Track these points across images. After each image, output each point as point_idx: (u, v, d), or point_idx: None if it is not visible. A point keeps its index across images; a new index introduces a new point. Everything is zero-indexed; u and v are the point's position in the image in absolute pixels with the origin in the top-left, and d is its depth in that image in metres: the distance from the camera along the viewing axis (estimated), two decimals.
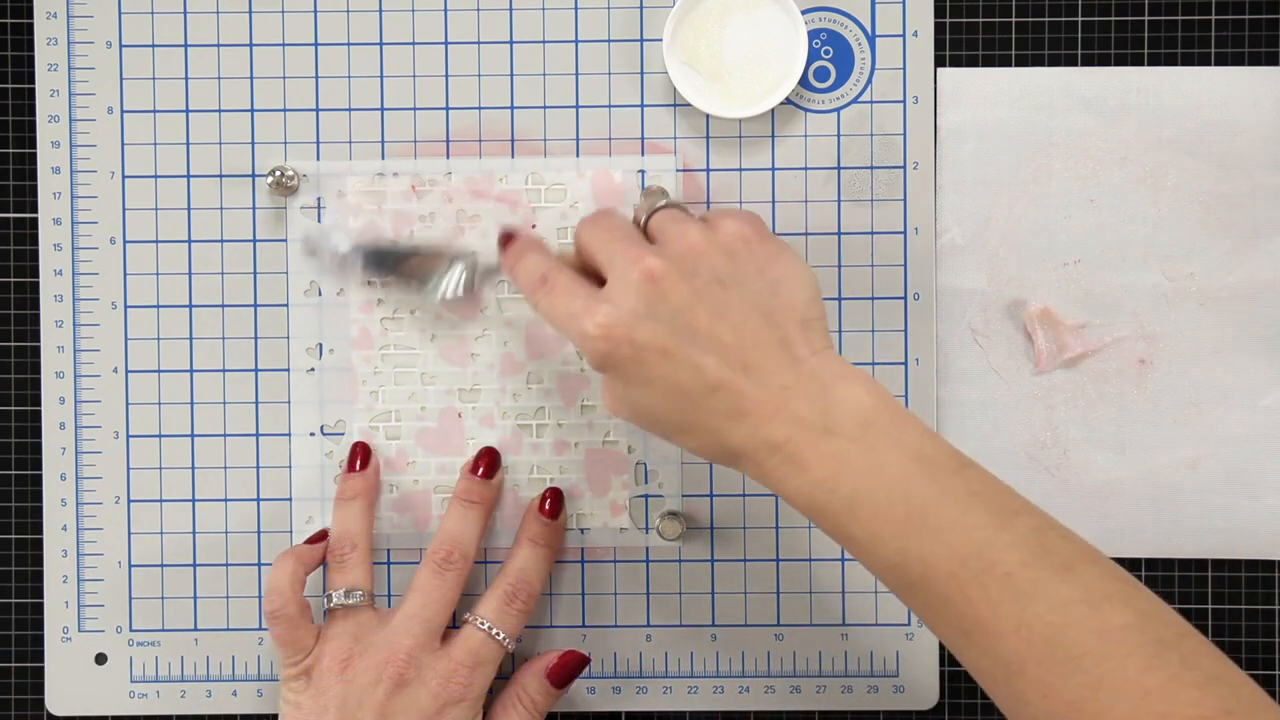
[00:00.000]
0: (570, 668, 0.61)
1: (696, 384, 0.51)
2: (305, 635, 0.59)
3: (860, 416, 0.51)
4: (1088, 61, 0.63)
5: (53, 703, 0.64)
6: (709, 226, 0.53)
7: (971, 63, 0.63)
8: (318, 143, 0.64)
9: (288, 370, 0.64)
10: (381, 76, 0.64)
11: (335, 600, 0.60)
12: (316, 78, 0.64)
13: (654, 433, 0.54)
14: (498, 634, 0.59)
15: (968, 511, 0.49)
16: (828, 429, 0.51)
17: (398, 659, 0.58)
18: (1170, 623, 0.48)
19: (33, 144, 0.64)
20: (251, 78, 0.64)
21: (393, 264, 0.62)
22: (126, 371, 0.64)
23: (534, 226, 0.63)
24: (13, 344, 0.64)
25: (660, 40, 0.62)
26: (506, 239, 0.59)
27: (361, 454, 0.63)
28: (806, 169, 0.63)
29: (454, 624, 0.61)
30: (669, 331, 0.51)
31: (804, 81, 0.63)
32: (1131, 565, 0.64)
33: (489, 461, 0.62)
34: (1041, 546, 0.49)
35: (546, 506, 0.62)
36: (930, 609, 0.50)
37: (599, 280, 0.54)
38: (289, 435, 0.64)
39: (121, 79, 0.64)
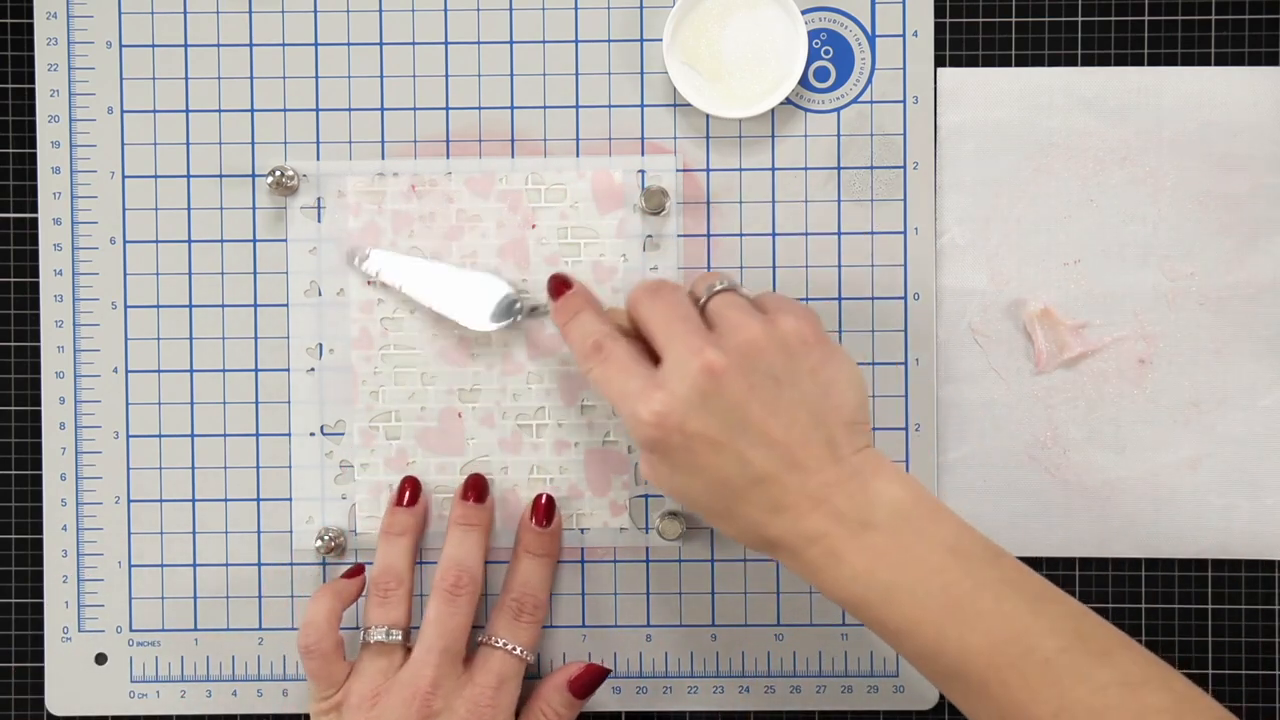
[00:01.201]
0: (591, 679, 0.62)
1: (742, 476, 0.52)
2: (338, 671, 0.60)
3: (896, 511, 0.52)
4: (1088, 61, 0.63)
5: (53, 703, 0.64)
6: (769, 321, 0.53)
7: (971, 63, 0.63)
8: (318, 143, 0.64)
9: (288, 370, 0.64)
10: (381, 76, 0.64)
11: (374, 637, 0.60)
12: (316, 78, 0.64)
13: (692, 511, 0.55)
14: (514, 649, 0.60)
15: (1003, 599, 0.50)
16: (865, 524, 0.52)
17: (423, 691, 0.58)
18: (1205, 708, 0.49)
19: (33, 144, 0.64)
20: (251, 78, 0.64)
21: (434, 286, 0.63)
22: (126, 371, 0.64)
23: (534, 227, 0.63)
24: (13, 344, 0.64)
25: (660, 40, 0.62)
26: (558, 287, 0.59)
27: (411, 489, 0.63)
28: (806, 169, 0.63)
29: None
30: (721, 425, 0.52)
31: (804, 81, 0.63)
32: (1131, 565, 0.64)
33: (478, 487, 0.62)
34: (1078, 632, 0.50)
35: (540, 515, 0.62)
36: (969, 697, 0.51)
37: (649, 349, 0.55)
38: (289, 435, 0.64)
39: (121, 79, 0.64)
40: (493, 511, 0.63)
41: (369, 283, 0.63)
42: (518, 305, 0.62)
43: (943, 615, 0.51)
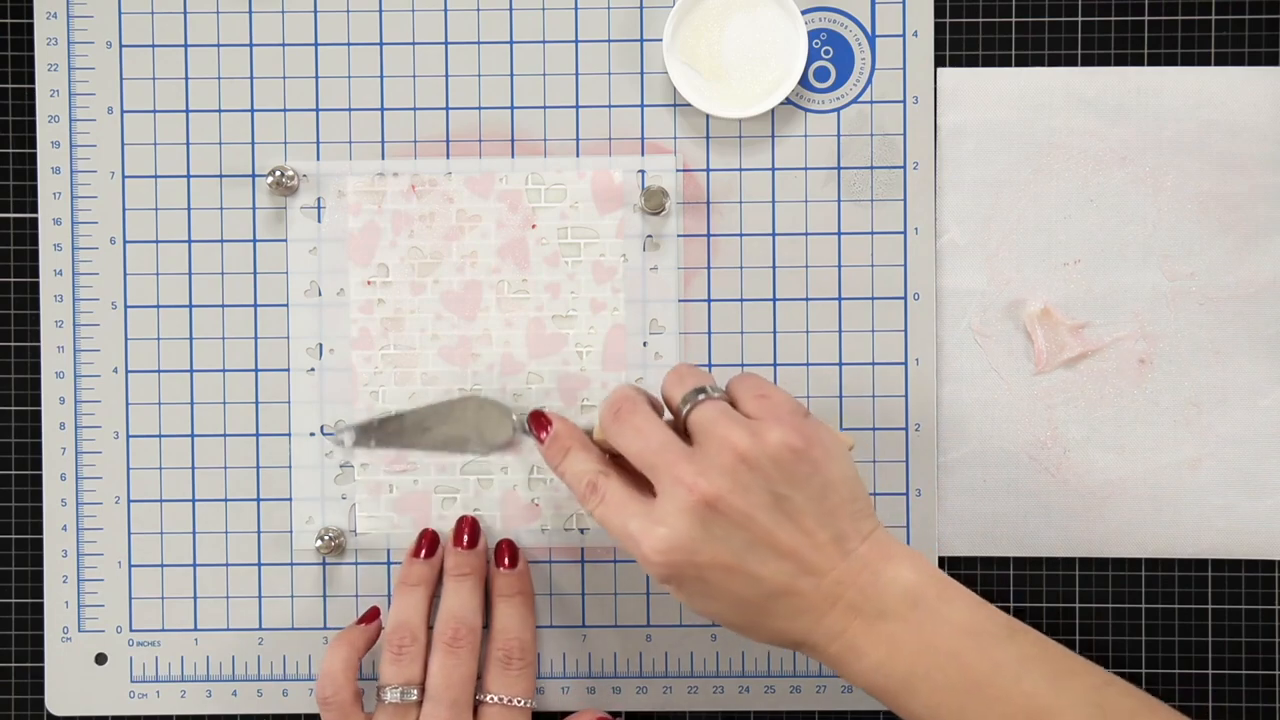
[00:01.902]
0: None
1: (758, 593, 0.52)
2: None
3: (908, 596, 0.52)
4: (1088, 61, 0.63)
5: (53, 703, 0.64)
6: (755, 435, 0.52)
7: (971, 63, 0.63)
8: (318, 143, 0.64)
9: (288, 370, 0.64)
10: (381, 76, 0.64)
11: (389, 697, 0.59)
12: (316, 78, 0.64)
13: (725, 627, 0.55)
14: (512, 701, 0.60)
15: (1022, 678, 0.51)
16: (880, 613, 0.52)
17: None
18: None
19: (33, 144, 0.64)
20: (251, 78, 0.64)
21: (424, 424, 0.63)
22: (126, 371, 0.64)
23: (534, 227, 0.63)
24: (13, 344, 0.64)
25: (660, 40, 0.62)
26: (539, 426, 0.58)
27: (429, 543, 0.63)
28: (806, 169, 0.63)
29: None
30: (729, 549, 0.52)
31: (804, 81, 0.63)
32: (1131, 565, 0.64)
33: (471, 531, 0.63)
34: (1100, 706, 0.50)
35: (500, 559, 0.63)
36: None
37: (643, 479, 0.54)
38: (289, 435, 0.64)
39: (121, 79, 0.64)
40: (486, 554, 0.63)
41: (349, 446, 0.63)
42: (513, 423, 0.62)
43: (963, 699, 0.51)
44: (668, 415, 0.56)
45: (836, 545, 0.53)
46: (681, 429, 0.55)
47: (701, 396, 0.54)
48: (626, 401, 0.55)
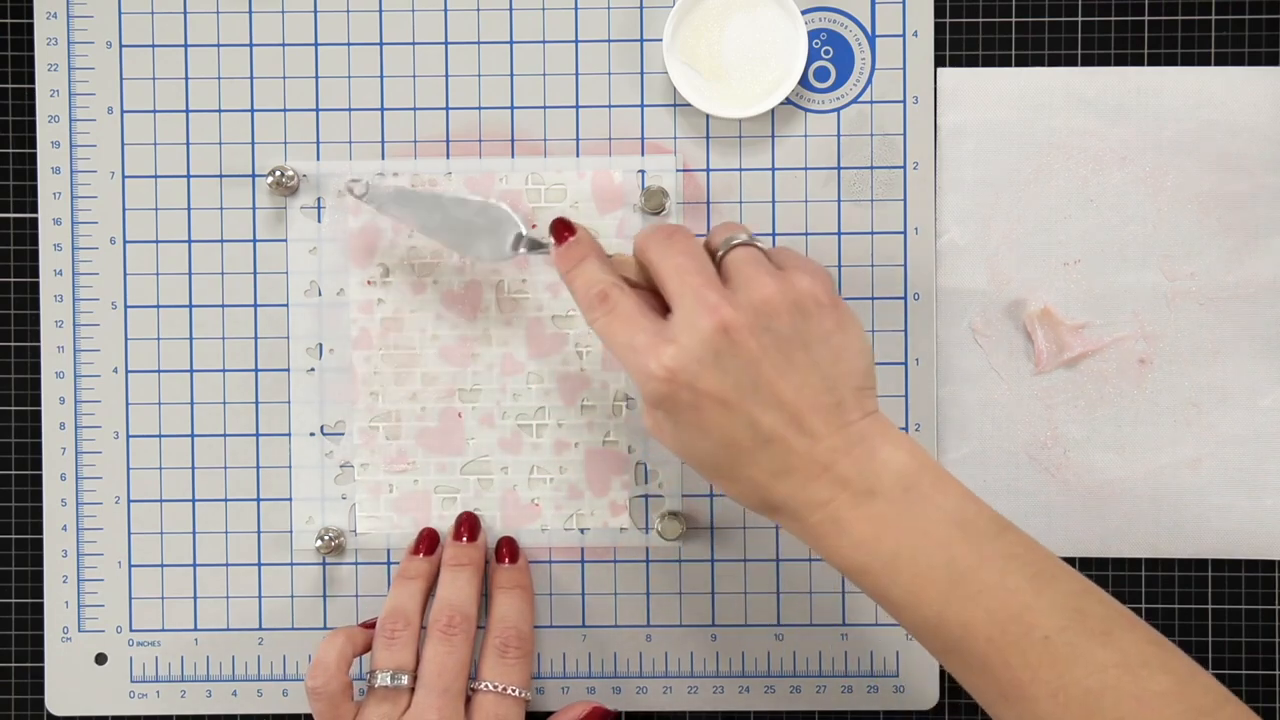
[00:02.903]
0: None
1: (750, 437, 0.51)
2: (345, 713, 0.59)
3: (902, 479, 0.51)
4: (1088, 61, 0.63)
5: (53, 703, 0.64)
6: (784, 280, 0.52)
7: (971, 63, 0.63)
8: (318, 143, 0.64)
9: (288, 370, 0.64)
10: (381, 76, 0.64)
11: (380, 681, 0.59)
12: (316, 78, 0.64)
13: (694, 469, 0.54)
14: (507, 689, 0.60)
15: (1006, 575, 0.50)
16: (869, 491, 0.51)
17: None
18: (1209, 688, 0.49)
19: (33, 144, 0.64)
20: (251, 78, 0.64)
21: (436, 210, 0.61)
22: (126, 371, 0.64)
23: (534, 226, 0.63)
24: (13, 344, 0.64)
25: (660, 40, 0.62)
26: (560, 232, 0.56)
27: (428, 542, 0.63)
28: (806, 169, 0.63)
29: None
30: (732, 384, 0.51)
31: (804, 81, 0.63)
32: (1131, 565, 0.64)
33: (470, 526, 0.63)
34: (1079, 611, 0.49)
35: (501, 555, 0.63)
36: (968, 671, 0.51)
37: (657, 298, 0.54)
38: (289, 435, 0.64)
39: (121, 79, 0.64)
40: (484, 551, 0.63)
41: (357, 197, 0.61)
42: (519, 237, 0.60)
43: (945, 589, 0.50)
44: None
45: (836, 412, 0.52)
46: (717, 270, 0.54)
47: (740, 240, 0.54)
48: (680, 230, 0.55)
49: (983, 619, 0.49)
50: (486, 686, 0.60)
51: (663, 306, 0.53)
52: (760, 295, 0.51)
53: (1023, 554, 0.51)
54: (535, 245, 0.59)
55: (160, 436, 0.64)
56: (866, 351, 0.53)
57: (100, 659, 0.64)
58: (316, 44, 0.64)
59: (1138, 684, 0.48)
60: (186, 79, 0.64)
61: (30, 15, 0.64)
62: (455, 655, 0.59)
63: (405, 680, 0.59)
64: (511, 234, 0.59)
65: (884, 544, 0.51)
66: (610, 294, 0.53)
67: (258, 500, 0.64)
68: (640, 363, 0.51)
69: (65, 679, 0.64)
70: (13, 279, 0.64)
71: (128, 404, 0.64)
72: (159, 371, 0.64)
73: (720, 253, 0.54)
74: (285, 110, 0.64)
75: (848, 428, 0.52)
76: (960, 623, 0.50)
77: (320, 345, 0.64)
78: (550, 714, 0.63)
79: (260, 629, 0.64)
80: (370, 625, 0.62)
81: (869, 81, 0.63)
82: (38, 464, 0.64)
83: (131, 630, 0.64)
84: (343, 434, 0.64)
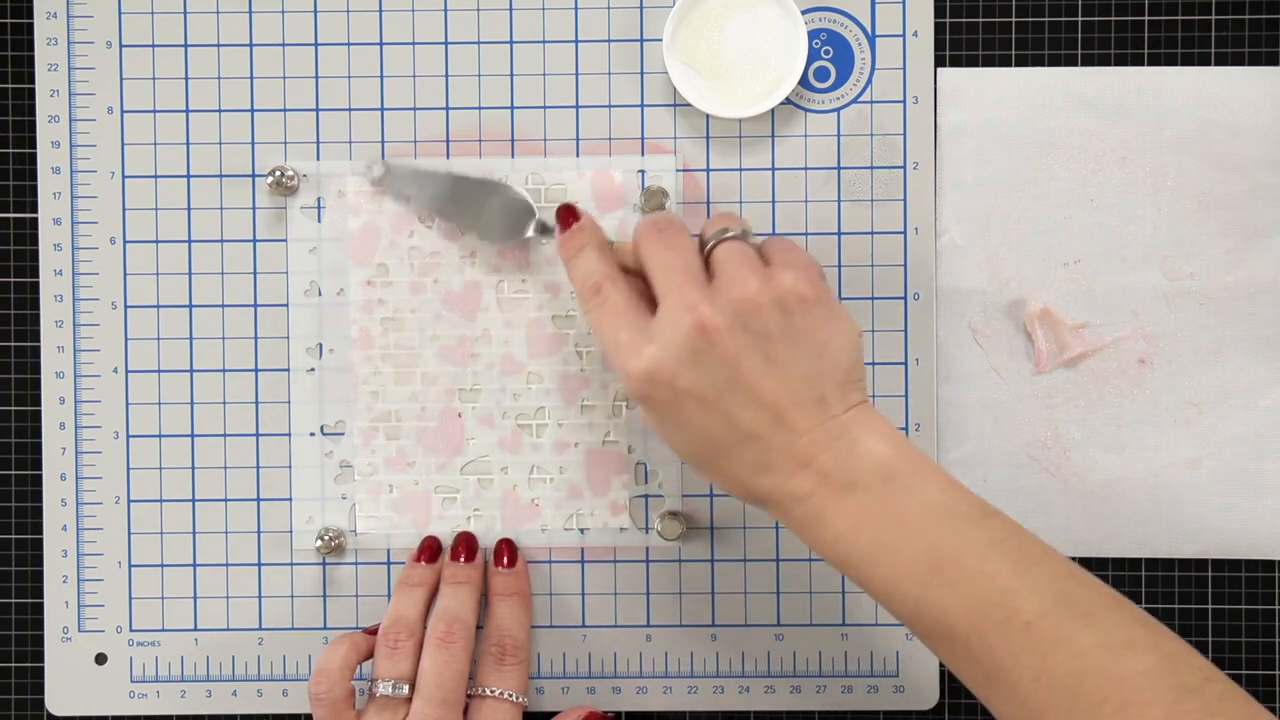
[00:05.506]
0: None
1: (729, 434, 0.52)
2: None
3: (881, 470, 0.52)
4: (1088, 61, 0.63)
5: (53, 703, 0.64)
6: (768, 277, 0.52)
7: (971, 63, 0.63)
8: (318, 143, 0.64)
9: (288, 370, 0.64)
10: (381, 76, 0.64)
11: (381, 690, 0.59)
12: (316, 78, 0.64)
13: (680, 459, 0.54)
14: (504, 694, 0.60)
15: (987, 560, 0.50)
16: (849, 484, 0.52)
17: None
18: (1195, 667, 0.48)
19: (33, 144, 0.64)
20: (251, 78, 0.64)
21: (452, 188, 0.61)
22: (126, 371, 0.64)
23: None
24: (13, 344, 0.64)
25: (660, 40, 0.62)
26: (565, 218, 0.58)
27: (429, 550, 0.63)
28: (806, 169, 0.63)
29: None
30: (710, 383, 0.51)
31: (804, 81, 0.63)
32: (1131, 565, 0.64)
33: (468, 547, 0.63)
34: (1061, 594, 0.49)
35: (499, 559, 0.63)
36: (954, 657, 0.51)
37: (650, 290, 0.54)
38: (289, 435, 0.64)
39: (121, 79, 0.64)
40: (482, 569, 0.63)
41: (375, 180, 0.62)
42: (533, 220, 0.61)
43: (925, 577, 0.50)
44: None
45: (818, 407, 0.52)
46: (705, 264, 0.54)
47: (729, 234, 0.54)
48: (675, 221, 0.55)
49: (963, 605, 0.49)
50: (484, 692, 0.60)
51: (653, 297, 0.54)
52: (741, 293, 0.52)
53: (1005, 539, 0.51)
54: (546, 229, 0.60)
55: (160, 436, 0.64)
56: (853, 346, 0.53)
57: (100, 659, 0.64)
58: (316, 44, 0.64)
59: (1120, 664, 0.47)
60: (186, 79, 0.64)
61: (30, 15, 0.64)
62: (453, 665, 0.59)
63: (406, 690, 0.59)
64: (525, 216, 0.60)
65: (863, 535, 0.51)
66: (603, 286, 0.54)
67: (258, 500, 0.64)
68: (621, 360, 0.52)
69: (65, 679, 0.64)
70: (13, 279, 0.64)
71: (128, 404, 0.64)
72: (159, 371, 0.64)
73: (709, 246, 0.54)
74: (285, 110, 0.64)
75: (829, 421, 0.52)
76: (941, 609, 0.50)
77: (320, 345, 0.64)
78: (550, 715, 0.64)
79: (260, 629, 0.64)
80: (374, 632, 0.62)
81: (869, 81, 0.63)
82: (38, 464, 0.64)
83: (131, 630, 0.64)
84: (343, 434, 0.64)
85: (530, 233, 0.60)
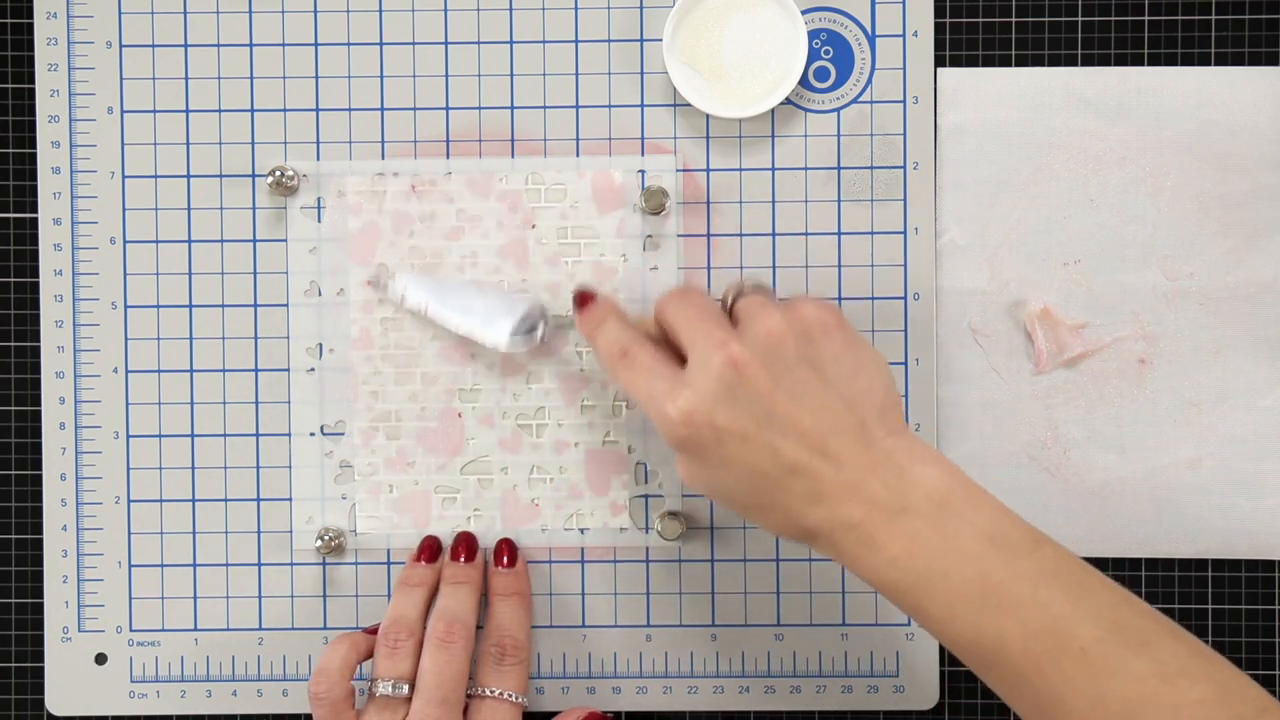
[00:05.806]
0: None
1: (774, 467, 0.52)
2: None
3: (934, 496, 0.52)
4: (1088, 61, 0.63)
5: (53, 703, 0.64)
6: (789, 309, 0.53)
7: (971, 63, 0.63)
8: (318, 143, 0.64)
9: (288, 370, 0.64)
10: (381, 76, 0.64)
11: (381, 690, 0.59)
12: (316, 78, 0.64)
13: (730, 508, 0.55)
14: (504, 694, 0.60)
15: (1041, 588, 0.50)
16: (902, 509, 0.52)
17: None
18: (1250, 697, 0.49)
19: (33, 144, 0.64)
20: (251, 78, 0.64)
21: (453, 299, 0.62)
22: (126, 371, 0.64)
23: (534, 227, 0.63)
24: (13, 344, 0.64)
25: (660, 40, 0.62)
26: (583, 300, 0.59)
27: (429, 550, 0.63)
28: (806, 169, 0.63)
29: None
30: (749, 417, 0.52)
31: (804, 81, 0.63)
32: (1131, 565, 0.64)
33: (468, 547, 0.63)
34: (1116, 622, 0.50)
35: (499, 558, 0.63)
36: (1007, 685, 0.51)
37: (678, 354, 0.55)
38: (289, 435, 0.64)
39: (121, 79, 0.64)
40: (483, 566, 0.63)
41: (393, 306, 0.63)
42: (543, 323, 0.62)
43: (979, 603, 0.50)
44: None
45: (859, 434, 0.52)
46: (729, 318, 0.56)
47: (751, 286, 0.56)
48: (693, 287, 0.59)
49: (1018, 632, 0.50)
50: (484, 692, 0.60)
51: (681, 359, 0.55)
52: (765, 328, 0.53)
53: (1058, 567, 0.51)
54: (560, 324, 0.62)
55: (160, 436, 0.64)
56: (883, 370, 0.54)
57: (100, 659, 0.64)
58: (316, 44, 0.64)
59: (1176, 693, 0.48)
60: (186, 79, 0.64)
61: (30, 15, 0.64)
62: (453, 665, 0.59)
63: (406, 690, 0.59)
64: (538, 323, 0.62)
65: (917, 560, 0.51)
66: (630, 349, 0.55)
67: (258, 500, 0.64)
68: (660, 409, 0.53)
69: (65, 679, 0.64)
70: (13, 279, 0.64)
71: (128, 404, 0.64)
72: (159, 371, 0.64)
73: (731, 300, 0.56)
74: (285, 110, 0.64)
75: (873, 446, 0.52)
76: (996, 636, 0.50)
77: (320, 345, 0.64)
78: (550, 715, 0.64)
79: (260, 629, 0.64)
80: (374, 632, 0.62)
81: (869, 81, 0.63)
82: (38, 464, 0.64)
83: (131, 630, 0.64)
84: (343, 434, 0.64)
85: (543, 338, 0.62)
